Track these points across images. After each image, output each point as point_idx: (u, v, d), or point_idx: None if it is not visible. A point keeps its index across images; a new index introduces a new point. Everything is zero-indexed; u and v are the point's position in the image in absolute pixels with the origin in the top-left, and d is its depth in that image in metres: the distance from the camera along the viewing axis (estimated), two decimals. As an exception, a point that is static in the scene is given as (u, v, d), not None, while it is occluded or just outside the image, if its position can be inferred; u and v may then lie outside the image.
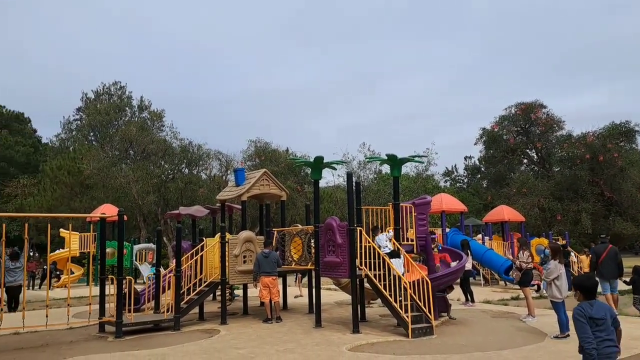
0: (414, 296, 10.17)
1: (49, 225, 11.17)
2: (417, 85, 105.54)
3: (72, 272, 23.59)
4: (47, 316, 10.39)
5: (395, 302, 10.01)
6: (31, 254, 26.34)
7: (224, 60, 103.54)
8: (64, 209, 31.45)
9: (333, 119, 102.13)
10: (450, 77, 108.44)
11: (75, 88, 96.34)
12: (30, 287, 23.63)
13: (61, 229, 22.66)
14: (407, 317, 9.76)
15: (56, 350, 9.43)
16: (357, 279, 10.70)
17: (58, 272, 24.67)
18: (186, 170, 36.04)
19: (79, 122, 51.62)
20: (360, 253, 10.56)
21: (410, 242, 11.81)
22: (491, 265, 20.29)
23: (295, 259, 12.55)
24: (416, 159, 12.87)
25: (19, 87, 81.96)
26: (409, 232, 12.00)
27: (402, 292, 10.05)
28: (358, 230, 10.67)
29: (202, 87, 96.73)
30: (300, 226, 14.00)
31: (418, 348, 8.82)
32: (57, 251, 24.28)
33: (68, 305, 11.12)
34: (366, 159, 32.51)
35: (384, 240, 11.19)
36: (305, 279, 15.22)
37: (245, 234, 12.59)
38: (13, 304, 11.50)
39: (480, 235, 23.36)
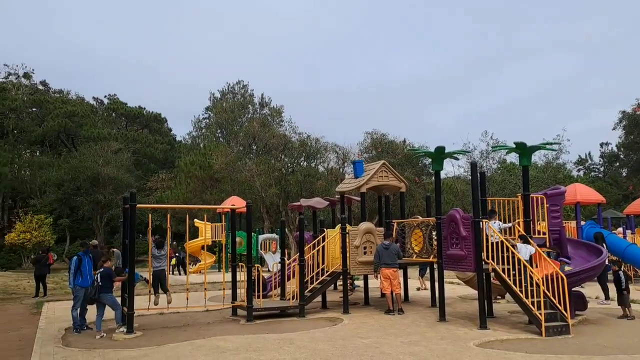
0: (548, 292, 9.54)
1: (186, 216, 12.16)
2: (546, 67, 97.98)
3: (199, 260, 25.52)
4: (187, 299, 11.36)
5: (527, 298, 9.47)
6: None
7: (338, 53, 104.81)
8: (197, 200, 34.02)
9: (451, 107, 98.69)
10: (584, 56, 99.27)
11: (204, 89, 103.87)
12: (170, 273, 25.96)
13: (195, 220, 24.52)
14: (540, 314, 9.19)
15: (196, 330, 10.30)
16: (484, 273, 10.28)
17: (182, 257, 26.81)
18: (305, 163, 37.15)
19: (207, 120, 55.73)
20: (487, 246, 10.12)
21: (542, 236, 11.08)
22: (635, 261, 18.36)
23: (416, 251, 12.40)
24: (547, 146, 12.03)
25: (156, 90, 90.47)
26: (539, 224, 11.29)
27: (535, 288, 9.47)
28: (484, 223, 10.24)
29: (319, 81, 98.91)
30: (420, 218, 13.79)
31: (553, 347, 8.28)
32: (191, 240, 26.41)
33: (205, 289, 12.07)
34: (492, 148, 31.05)
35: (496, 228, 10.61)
36: (427, 273, 14.93)
37: (365, 225, 12.67)
38: (159, 289, 12.74)
39: (620, 229, 21.32)
